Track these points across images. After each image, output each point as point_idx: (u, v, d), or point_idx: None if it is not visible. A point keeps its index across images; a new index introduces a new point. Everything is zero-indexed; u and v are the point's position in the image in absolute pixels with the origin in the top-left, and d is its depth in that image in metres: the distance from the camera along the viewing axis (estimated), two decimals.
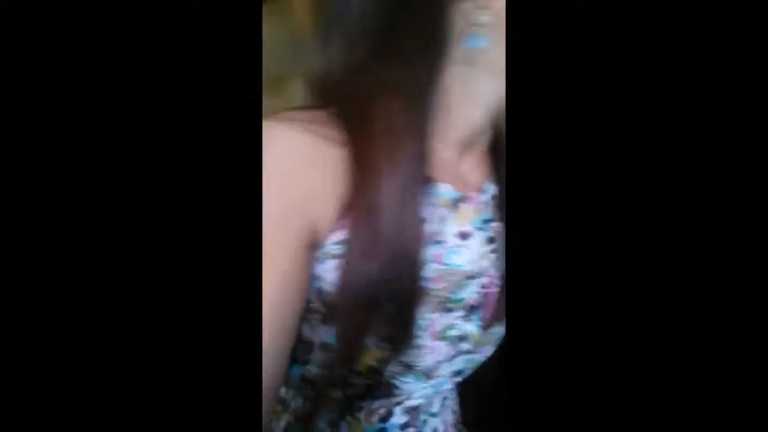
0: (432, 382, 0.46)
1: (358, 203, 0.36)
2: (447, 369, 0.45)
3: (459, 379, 0.49)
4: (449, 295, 0.41)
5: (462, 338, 0.43)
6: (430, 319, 0.40)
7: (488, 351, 0.48)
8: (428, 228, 0.39)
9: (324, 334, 0.40)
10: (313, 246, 0.36)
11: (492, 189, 0.47)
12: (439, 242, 0.40)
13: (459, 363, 0.46)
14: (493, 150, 0.48)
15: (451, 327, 0.42)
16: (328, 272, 0.37)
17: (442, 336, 0.42)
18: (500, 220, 0.46)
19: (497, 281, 0.45)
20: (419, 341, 0.40)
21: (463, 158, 0.44)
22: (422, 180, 0.38)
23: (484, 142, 0.46)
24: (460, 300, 0.42)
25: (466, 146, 0.44)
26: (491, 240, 0.45)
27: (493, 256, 0.45)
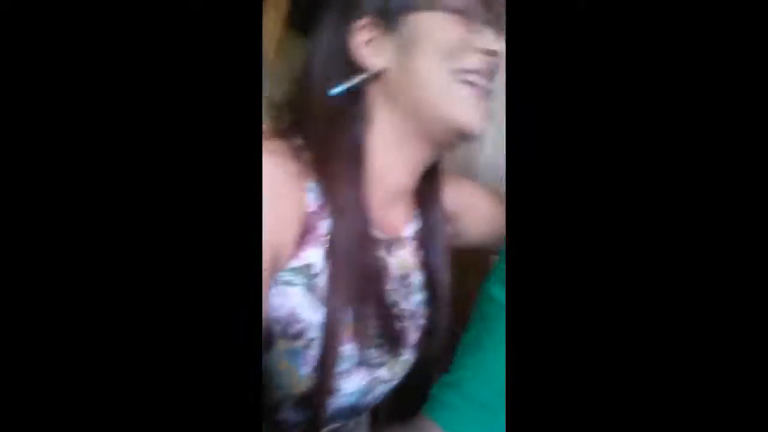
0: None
1: (319, 234, 0.38)
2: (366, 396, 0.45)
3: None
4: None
5: (380, 365, 0.44)
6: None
7: (398, 377, 0.50)
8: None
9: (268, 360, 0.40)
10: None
11: (412, 228, 0.49)
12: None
13: (376, 393, 0.46)
14: (419, 192, 0.49)
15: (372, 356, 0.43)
16: (278, 299, 0.37)
17: (365, 363, 0.43)
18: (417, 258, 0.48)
19: (406, 313, 0.48)
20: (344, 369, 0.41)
21: (388, 208, 0.46)
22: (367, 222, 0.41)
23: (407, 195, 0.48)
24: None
25: (390, 199, 0.46)
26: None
27: (405, 290, 0.47)
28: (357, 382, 0.42)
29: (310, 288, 0.38)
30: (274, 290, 0.37)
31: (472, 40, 0.38)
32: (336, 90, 0.40)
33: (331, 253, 0.38)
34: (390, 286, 0.44)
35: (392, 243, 0.45)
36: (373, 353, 0.42)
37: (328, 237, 0.39)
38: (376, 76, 0.40)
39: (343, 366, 0.40)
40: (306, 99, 0.41)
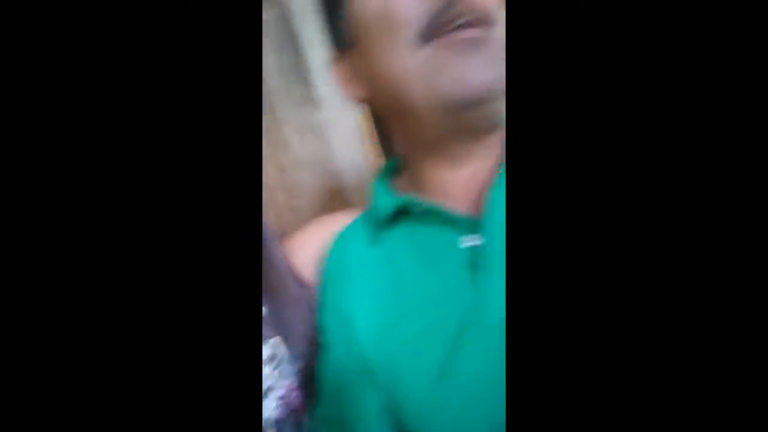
0: None
1: None
2: None
3: None
4: None
5: None
6: None
7: None
8: None
9: None
10: None
11: (264, 309, 0.48)
12: None
13: None
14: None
15: None
16: None
17: None
18: (275, 335, 0.47)
19: (294, 385, 0.46)
20: None
21: None
22: None
23: None
24: (264, 421, 0.43)
25: None
26: (272, 357, 0.46)
27: (276, 371, 0.46)
28: None
29: None
30: None
31: None
32: None
33: None
34: None
35: None
36: None
37: None
38: None
39: None
40: None
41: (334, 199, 0.79)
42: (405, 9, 0.32)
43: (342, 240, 0.47)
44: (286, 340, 0.47)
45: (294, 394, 0.46)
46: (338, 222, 0.57)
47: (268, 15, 0.72)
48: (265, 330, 0.47)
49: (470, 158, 0.38)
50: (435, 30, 0.32)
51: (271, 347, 0.47)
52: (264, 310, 0.48)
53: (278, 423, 0.45)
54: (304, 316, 0.48)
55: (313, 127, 0.76)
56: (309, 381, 0.47)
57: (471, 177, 0.39)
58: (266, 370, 0.45)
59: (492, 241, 0.36)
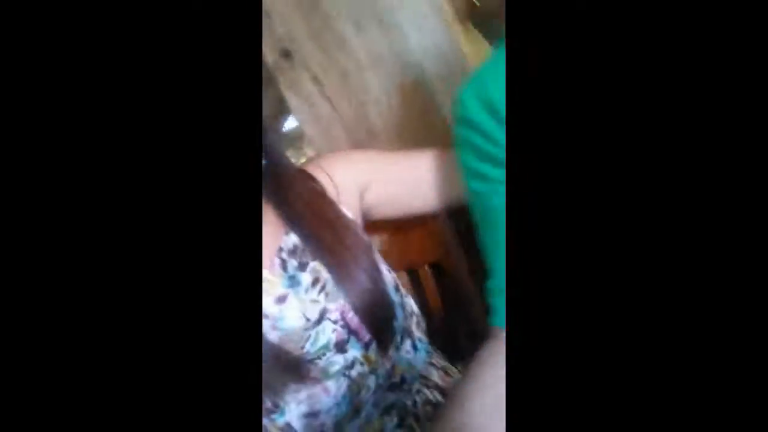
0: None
1: None
2: (367, 399, 0.47)
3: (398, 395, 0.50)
4: (305, 351, 0.44)
5: (349, 367, 0.45)
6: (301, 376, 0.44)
7: (402, 355, 0.49)
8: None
9: None
10: None
11: (292, 238, 0.47)
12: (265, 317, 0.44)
13: (369, 384, 0.47)
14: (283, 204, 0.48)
15: (330, 366, 0.45)
16: None
17: (326, 377, 0.44)
18: (314, 259, 0.47)
19: (347, 306, 0.46)
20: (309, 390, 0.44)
21: None
22: None
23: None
24: (324, 346, 0.45)
25: None
26: (315, 281, 0.46)
27: (322, 294, 0.46)
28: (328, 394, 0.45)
29: None
30: None
31: None
32: None
33: None
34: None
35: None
36: None
37: None
38: None
39: None
40: None
41: (412, 101, 0.64)
42: None
43: (480, 75, 0.46)
44: (328, 264, 0.46)
45: (350, 315, 0.46)
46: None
47: None
48: (300, 257, 0.47)
49: None
50: None
51: (311, 272, 0.46)
52: (294, 238, 0.47)
53: (338, 345, 0.45)
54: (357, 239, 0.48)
55: (374, 15, 0.60)
56: (366, 304, 0.47)
57: None
58: (312, 295, 0.46)
59: None
